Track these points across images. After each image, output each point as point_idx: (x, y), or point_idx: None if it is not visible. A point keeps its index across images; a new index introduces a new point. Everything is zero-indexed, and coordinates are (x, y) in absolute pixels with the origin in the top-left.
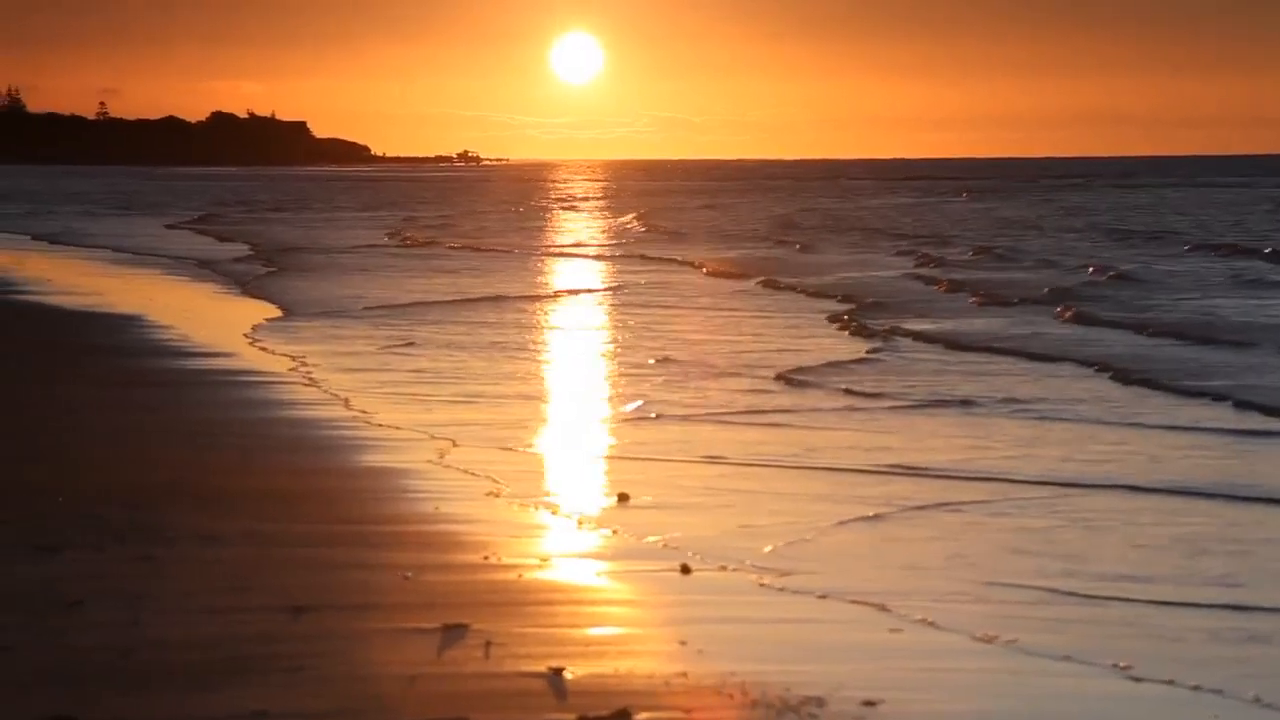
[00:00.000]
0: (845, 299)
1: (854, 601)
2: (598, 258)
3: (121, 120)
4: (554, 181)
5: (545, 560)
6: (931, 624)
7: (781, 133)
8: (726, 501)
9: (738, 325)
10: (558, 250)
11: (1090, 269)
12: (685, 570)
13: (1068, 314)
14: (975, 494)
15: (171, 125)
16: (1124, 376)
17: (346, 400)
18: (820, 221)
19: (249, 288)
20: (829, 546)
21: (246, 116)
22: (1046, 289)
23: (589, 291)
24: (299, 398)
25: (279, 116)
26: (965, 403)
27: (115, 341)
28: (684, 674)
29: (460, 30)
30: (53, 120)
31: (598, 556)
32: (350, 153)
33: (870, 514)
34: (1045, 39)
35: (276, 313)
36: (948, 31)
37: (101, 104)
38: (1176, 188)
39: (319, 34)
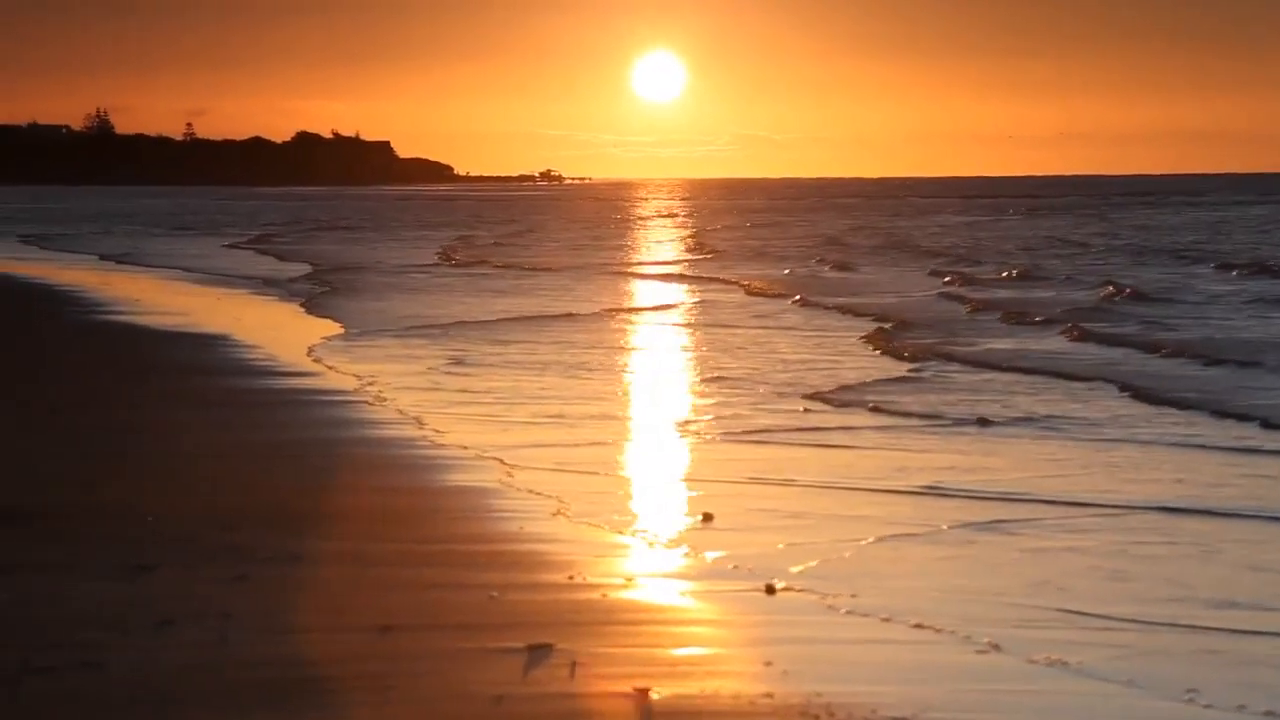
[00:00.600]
0: (878, 318)
1: (935, 624)
2: (644, 277)
3: (208, 141)
4: (629, 200)
5: (630, 580)
6: (1010, 648)
7: (864, 150)
8: (807, 522)
9: (777, 344)
10: (605, 269)
11: (1108, 288)
12: (770, 590)
13: (1074, 333)
14: (1028, 514)
15: (257, 145)
16: (1152, 396)
17: (419, 419)
18: (866, 240)
19: (311, 306)
20: (910, 568)
21: (331, 137)
22: (1060, 309)
23: (632, 310)
24: (375, 417)
25: (363, 136)
26: (1012, 421)
27: (202, 360)
28: (770, 695)
29: (544, 50)
30: (140, 141)
31: (682, 576)
32: (433, 172)
33: (945, 536)
34: (1139, 54)
35: (338, 330)
36: (1037, 48)
37: (189, 125)
38: (1249, 205)
39: (404, 55)
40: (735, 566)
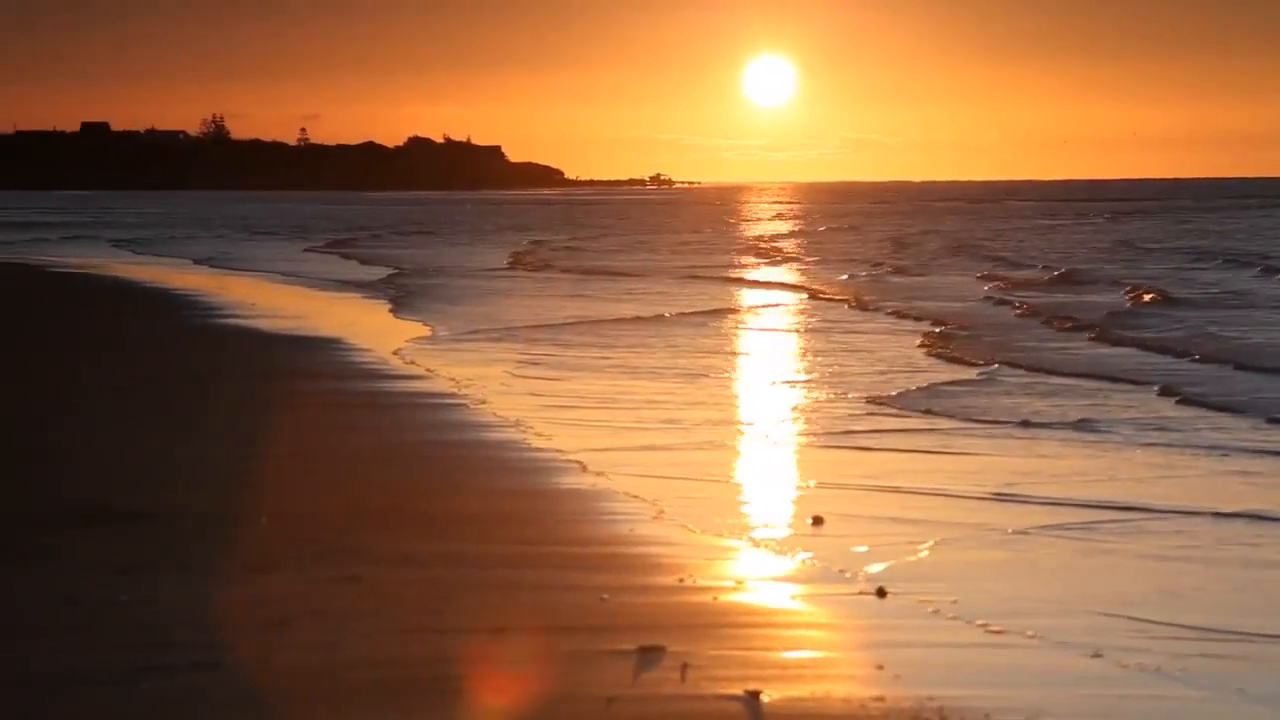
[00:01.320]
0: (935, 322)
1: (1045, 629)
2: (711, 279)
3: (321, 146)
4: (733, 204)
5: (740, 583)
6: (1120, 654)
7: (976, 154)
8: (915, 527)
9: (843, 347)
10: (674, 272)
11: (1127, 291)
12: (881, 594)
13: (1106, 337)
14: (1126, 519)
15: (370, 150)
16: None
17: (519, 421)
18: (934, 243)
19: (402, 308)
20: (1017, 573)
21: (443, 141)
22: (1099, 313)
23: (699, 314)
24: (479, 419)
25: (475, 141)
26: (1078, 424)
27: (313, 364)
28: (881, 698)
29: (656, 55)
30: (255, 146)
31: (792, 579)
32: (544, 176)
33: (1046, 541)
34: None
35: (428, 332)
36: (1151, 51)
37: (303, 130)
38: None
39: (516, 60)
40: (845, 570)
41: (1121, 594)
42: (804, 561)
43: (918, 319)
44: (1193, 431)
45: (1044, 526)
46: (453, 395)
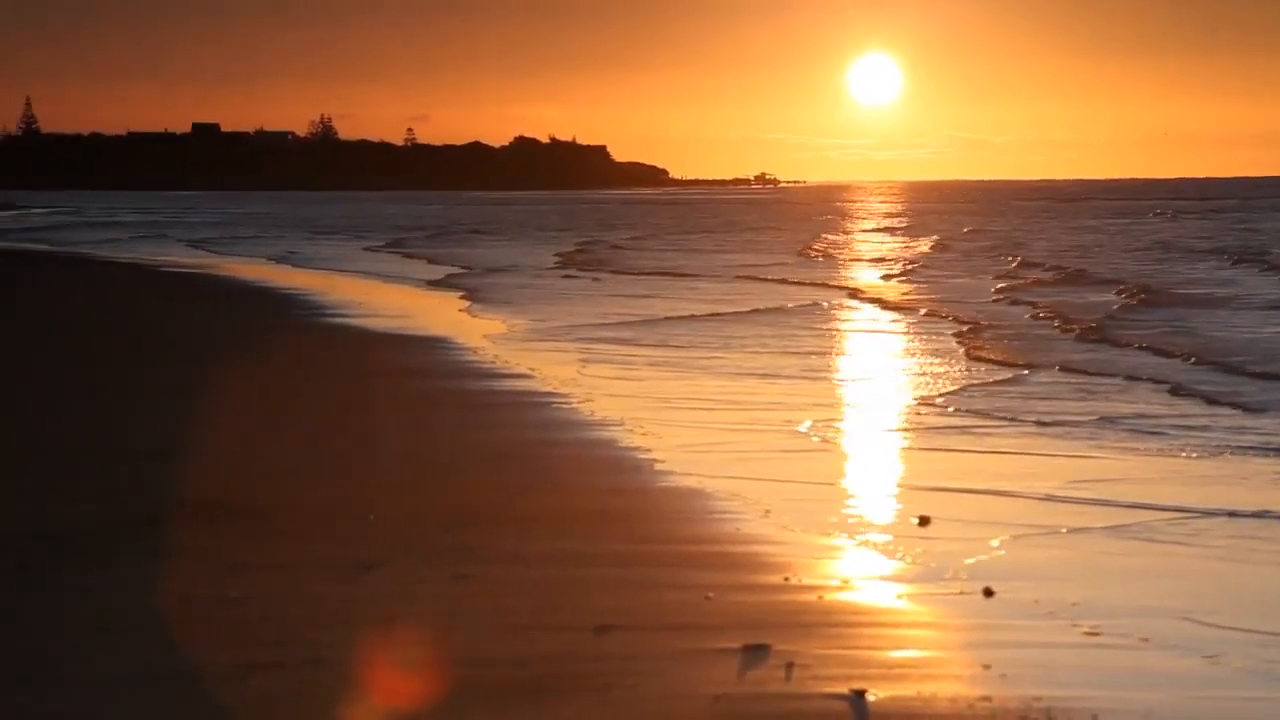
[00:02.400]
0: (960, 323)
1: (1151, 629)
2: (754, 279)
3: (428, 146)
4: (832, 202)
5: (846, 582)
6: (1230, 656)
7: (1085, 152)
8: (1019, 527)
9: (884, 347)
10: (724, 273)
11: (1119, 293)
12: (988, 593)
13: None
14: (1208, 519)
15: (476, 151)
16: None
17: (623, 420)
18: (973, 243)
19: (483, 306)
20: (1121, 573)
21: (549, 141)
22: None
23: (755, 313)
24: (583, 418)
25: (580, 141)
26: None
27: (420, 362)
28: (988, 698)
29: (761, 54)
30: (362, 147)
31: (898, 579)
32: (649, 176)
33: (1142, 541)
34: None
35: (515, 328)
36: (1267, 47)
37: (410, 131)
38: None
39: (622, 60)
40: (951, 570)
41: (1232, 595)
42: (909, 561)
43: (944, 317)
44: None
45: (1139, 524)
46: (552, 394)
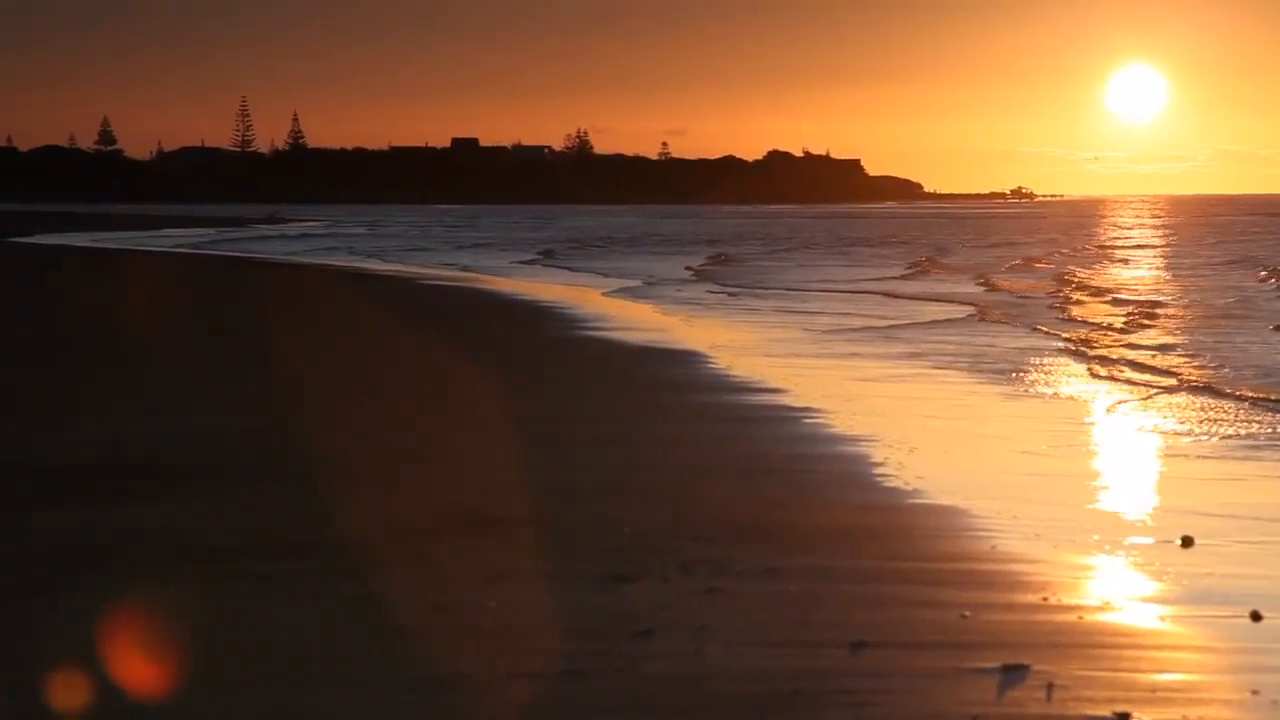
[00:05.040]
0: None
1: None
2: (855, 292)
3: (681, 160)
4: (1088, 217)
5: (1106, 602)
6: None
7: None
8: None
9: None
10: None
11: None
12: (1256, 617)
13: None
14: None
15: (728, 164)
16: None
17: (873, 435)
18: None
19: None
20: None
21: (801, 155)
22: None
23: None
24: (837, 433)
25: (833, 155)
26: None
27: (672, 376)
28: None
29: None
30: (617, 161)
31: (1160, 600)
32: (902, 189)
33: None
34: None
35: (752, 341)
36: None
37: (664, 144)
38: None
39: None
40: (1217, 592)
41: None
42: (1173, 582)
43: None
44: None
45: None
46: (816, 409)
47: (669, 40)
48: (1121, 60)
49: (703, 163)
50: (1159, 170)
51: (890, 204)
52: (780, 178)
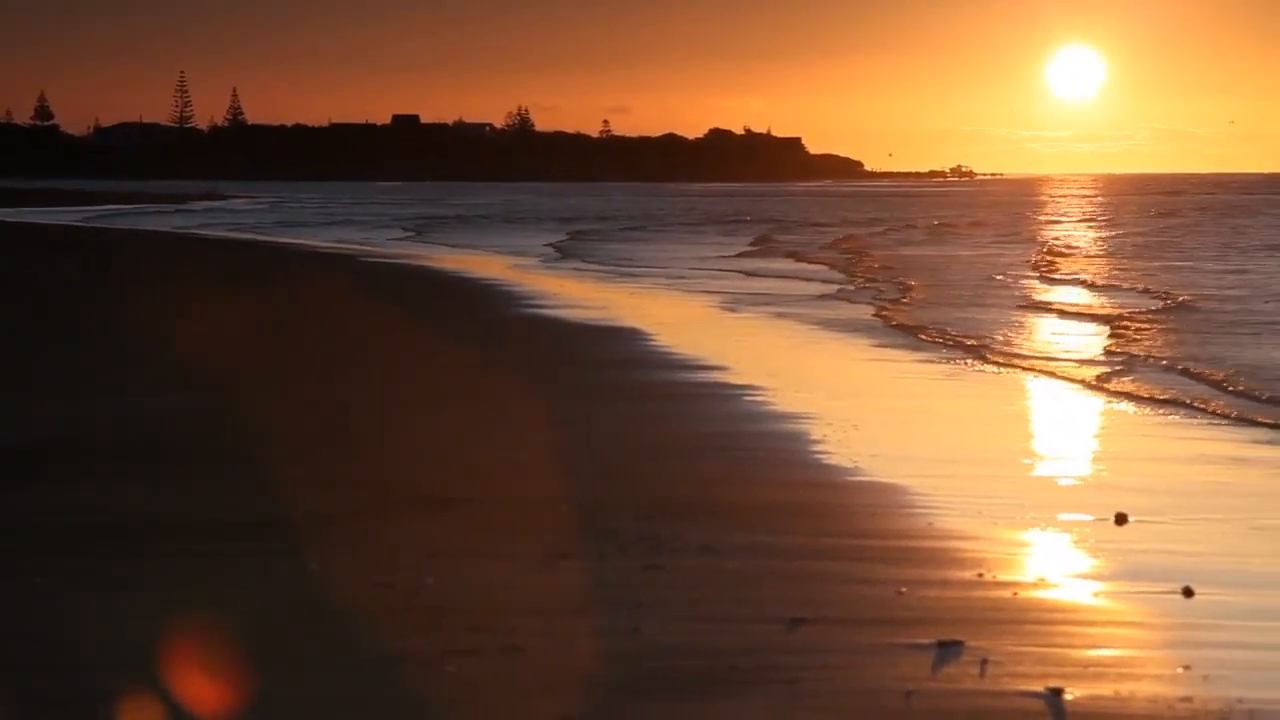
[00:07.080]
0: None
1: None
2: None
3: (622, 138)
4: (1031, 195)
5: (1041, 579)
6: None
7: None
8: (1224, 525)
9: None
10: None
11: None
12: (1188, 593)
13: None
14: None
15: (669, 143)
16: None
17: (811, 412)
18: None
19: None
20: None
21: (743, 133)
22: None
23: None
24: (778, 410)
25: (774, 133)
26: None
27: (613, 353)
28: (1188, 699)
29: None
30: (557, 139)
31: (1094, 576)
32: (843, 168)
33: None
34: None
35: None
36: None
37: (605, 122)
38: None
39: (816, 50)
40: (1149, 569)
41: None
42: (1107, 559)
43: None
44: None
45: None
46: (741, 386)
47: (614, 17)
48: (1060, 41)
49: (643, 140)
50: (1097, 149)
51: (827, 182)
52: (722, 156)
